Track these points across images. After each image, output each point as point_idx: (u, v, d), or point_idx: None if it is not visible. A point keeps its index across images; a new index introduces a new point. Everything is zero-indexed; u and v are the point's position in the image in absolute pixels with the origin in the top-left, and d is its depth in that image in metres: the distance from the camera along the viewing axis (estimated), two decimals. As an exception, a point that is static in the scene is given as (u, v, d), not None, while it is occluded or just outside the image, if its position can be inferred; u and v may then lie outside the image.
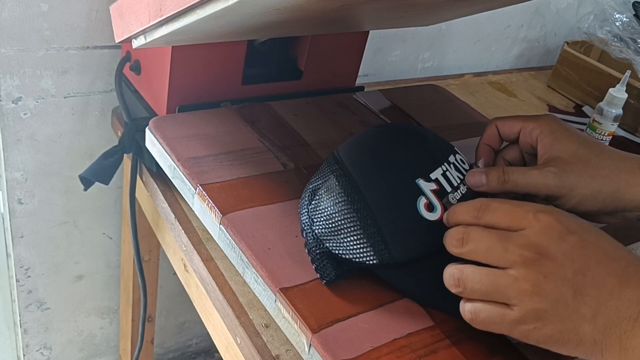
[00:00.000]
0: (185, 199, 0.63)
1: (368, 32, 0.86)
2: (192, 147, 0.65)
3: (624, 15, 1.17)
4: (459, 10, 0.77)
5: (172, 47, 0.68)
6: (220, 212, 0.57)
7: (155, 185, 0.75)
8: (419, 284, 0.52)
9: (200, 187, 0.60)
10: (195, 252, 0.65)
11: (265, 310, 0.57)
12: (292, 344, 0.52)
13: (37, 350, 1.10)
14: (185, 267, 0.73)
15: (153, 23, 0.55)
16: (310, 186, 0.57)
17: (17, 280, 0.99)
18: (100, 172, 0.77)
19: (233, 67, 0.75)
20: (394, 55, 1.19)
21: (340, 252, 0.52)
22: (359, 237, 0.51)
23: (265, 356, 0.53)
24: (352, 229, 0.52)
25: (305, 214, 0.56)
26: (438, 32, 1.22)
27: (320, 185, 0.55)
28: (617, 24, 1.17)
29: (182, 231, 0.67)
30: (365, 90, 0.90)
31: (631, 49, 1.14)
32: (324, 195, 0.54)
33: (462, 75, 1.28)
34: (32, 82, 0.83)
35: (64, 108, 0.88)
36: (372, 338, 0.49)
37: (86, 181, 0.77)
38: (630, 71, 0.99)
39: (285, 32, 0.71)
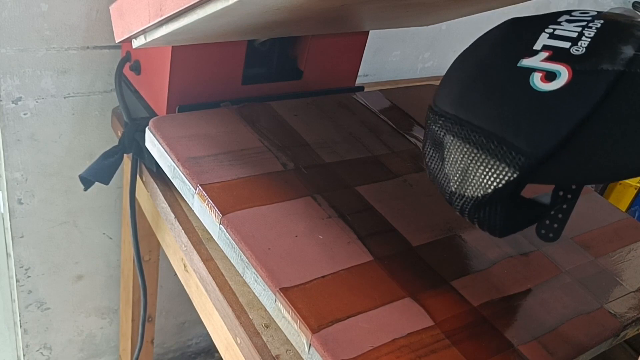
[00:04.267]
0: (185, 199, 0.63)
1: (368, 32, 0.86)
2: (192, 147, 0.65)
3: (624, 15, 1.17)
4: (459, 10, 0.77)
5: (172, 47, 0.68)
6: (220, 212, 0.57)
7: (155, 185, 0.75)
8: (581, 164, 0.43)
9: (200, 187, 0.60)
10: (195, 252, 0.65)
11: (265, 310, 0.57)
12: (292, 344, 0.52)
13: (37, 350, 1.10)
14: (185, 267, 0.73)
15: (153, 23, 0.55)
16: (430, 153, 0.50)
17: (17, 280, 0.99)
18: (100, 172, 0.77)
19: (233, 67, 0.75)
20: (394, 55, 1.19)
21: (480, 191, 0.45)
22: (484, 161, 0.44)
23: (265, 356, 0.53)
24: (475, 159, 0.44)
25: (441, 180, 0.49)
26: (438, 32, 1.22)
27: (441, 144, 0.48)
28: (617, 24, 1.16)
29: (182, 231, 0.67)
30: (365, 90, 0.90)
31: (631, 49, 1.14)
32: (449, 154, 0.48)
33: (462, 75, 1.28)
34: (32, 82, 0.83)
35: (64, 108, 0.88)
36: (372, 338, 0.49)
37: (86, 181, 0.77)
38: (630, 71, 0.99)
39: (285, 32, 0.71)
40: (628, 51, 0.42)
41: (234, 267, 0.57)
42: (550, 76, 0.43)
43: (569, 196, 0.51)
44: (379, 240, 0.60)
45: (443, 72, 1.35)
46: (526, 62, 0.44)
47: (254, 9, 0.51)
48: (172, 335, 1.30)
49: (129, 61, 0.80)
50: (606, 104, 0.41)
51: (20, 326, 1.05)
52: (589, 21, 0.46)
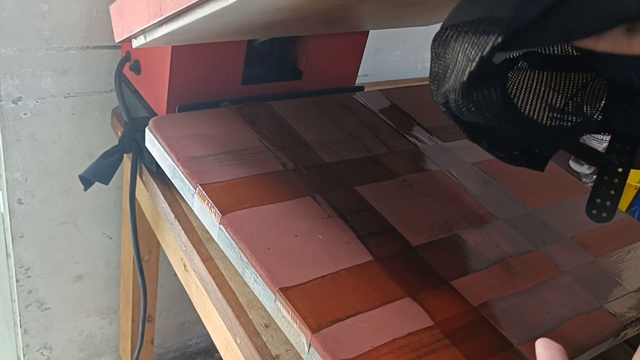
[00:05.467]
0: (185, 198, 0.63)
1: (368, 32, 0.86)
2: (191, 147, 0.65)
3: (624, 16, 1.17)
4: (458, 10, 0.77)
5: (172, 46, 0.68)
6: (220, 212, 0.57)
7: (155, 185, 0.75)
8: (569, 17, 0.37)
9: (200, 187, 0.60)
10: (195, 252, 0.65)
11: (265, 310, 0.57)
12: (291, 344, 0.52)
13: (37, 350, 1.10)
14: (185, 267, 0.73)
15: (153, 22, 0.55)
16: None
17: (17, 280, 0.99)
18: (100, 172, 0.77)
19: (233, 67, 0.75)
20: (394, 55, 1.19)
21: (468, 68, 0.40)
22: (470, 39, 0.40)
23: (265, 356, 0.53)
24: (464, 43, 0.40)
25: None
26: (438, 32, 1.21)
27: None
28: (617, 24, 1.17)
29: (182, 231, 0.67)
30: (365, 90, 0.90)
31: (631, 49, 1.14)
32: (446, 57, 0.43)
33: (462, 75, 1.28)
34: (32, 82, 0.83)
35: (64, 108, 0.88)
36: (372, 338, 0.49)
37: (86, 181, 0.77)
38: (630, 71, 0.99)
39: (285, 31, 0.71)
40: None
41: (234, 267, 0.57)
42: None
43: (619, 169, 0.48)
44: (379, 240, 0.60)
45: (443, 72, 1.31)
46: None
47: (254, 9, 0.51)
48: (172, 335, 1.30)
49: (129, 61, 0.80)
50: None
51: (20, 326, 1.05)
52: None
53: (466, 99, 0.42)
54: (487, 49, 0.39)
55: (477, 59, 0.39)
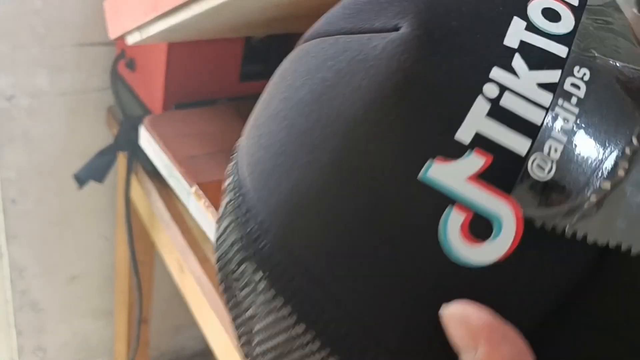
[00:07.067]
0: (181, 198, 0.62)
1: (367, 29, 0.85)
2: (188, 145, 0.65)
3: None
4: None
5: (168, 43, 0.67)
6: (217, 212, 0.56)
7: (151, 185, 0.74)
8: None
9: (196, 186, 0.59)
10: (191, 252, 0.64)
11: (263, 312, 0.56)
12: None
13: (32, 352, 1.09)
14: (181, 268, 0.72)
15: (148, 19, 0.54)
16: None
17: (11, 281, 0.98)
18: (94, 171, 0.76)
19: (230, 63, 0.74)
20: (393, 54, 1.18)
21: None
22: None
23: (263, 359, 0.52)
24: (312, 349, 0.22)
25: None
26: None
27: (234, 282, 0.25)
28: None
29: (178, 231, 0.67)
30: (364, 88, 0.89)
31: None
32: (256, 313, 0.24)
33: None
34: (26, 80, 0.82)
35: (58, 106, 0.87)
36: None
37: (80, 180, 0.77)
38: (631, 70, 0.99)
39: (283, 28, 0.70)
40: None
41: (231, 267, 0.57)
42: (479, 226, 0.18)
43: None
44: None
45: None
46: (436, 173, 0.18)
47: (252, 5, 0.50)
48: (168, 338, 1.29)
49: (124, 58, 0.79)
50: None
51: (15, 328, 1.04)
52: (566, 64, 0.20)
53: None
54: None
55: None
